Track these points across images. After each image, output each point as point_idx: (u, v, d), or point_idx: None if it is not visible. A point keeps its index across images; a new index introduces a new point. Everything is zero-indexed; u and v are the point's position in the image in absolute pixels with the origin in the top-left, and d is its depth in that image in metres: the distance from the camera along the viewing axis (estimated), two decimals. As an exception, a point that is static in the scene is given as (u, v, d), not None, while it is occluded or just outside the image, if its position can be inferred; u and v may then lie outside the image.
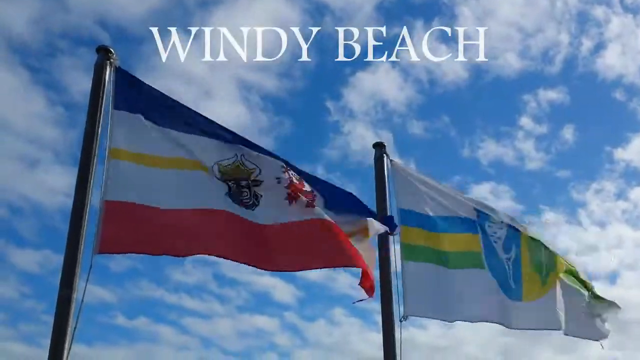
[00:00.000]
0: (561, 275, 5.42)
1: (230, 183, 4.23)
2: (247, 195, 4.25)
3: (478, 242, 5.17)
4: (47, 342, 3.63)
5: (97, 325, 20.04)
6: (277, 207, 4.24)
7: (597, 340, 5.71)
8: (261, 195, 4.25)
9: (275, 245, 4.19)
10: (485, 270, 5.11)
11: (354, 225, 4.40)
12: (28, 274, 21.80)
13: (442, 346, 22.52)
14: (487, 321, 5.22)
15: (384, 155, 5.11)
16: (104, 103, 4.07)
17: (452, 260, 5.04)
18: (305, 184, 4.37)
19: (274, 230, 4.20)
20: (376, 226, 4.43)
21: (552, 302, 5.31)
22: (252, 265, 4.23)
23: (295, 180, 4.32)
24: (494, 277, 5.11)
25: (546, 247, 5.40)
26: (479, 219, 5.23)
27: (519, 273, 5.22)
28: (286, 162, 4.37)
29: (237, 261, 4.21)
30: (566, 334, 5.45)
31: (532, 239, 5.39)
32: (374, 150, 5.16)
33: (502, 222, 5.30)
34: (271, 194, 4.26)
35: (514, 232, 5.30)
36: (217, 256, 4.25)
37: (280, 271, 4.48)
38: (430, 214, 5.10)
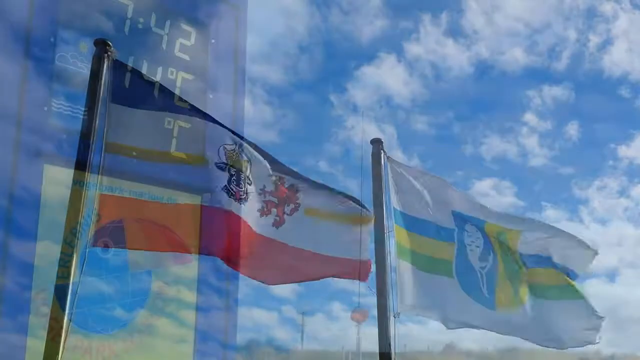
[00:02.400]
0: (527, 292, 5.34)
1: (232, 171, 4.29)
2: (242, 189, 4.29)
3: (452, 251, 5.19)
4: (45, 334, 3.66)
5: (94, 317, 20.07)
6: (251, 213, 4.31)
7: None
8: (248, 194, 4.32)
9: (251, 248, 4.26)
10: (453, 280, 5.15)
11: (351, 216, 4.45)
12: (27, 265, 21.80)
13: (441, 340, 22.62)
14: (467, 326, 5.22)
15: (381, 151, 5.12)
16: (101, 95, 4.08)
17: (425, 263, 5.08)
18: (288, 190, 4.43)
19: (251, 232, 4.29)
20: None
21: (527, 315, 5.30)
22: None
23: (279, 188, 4.41)
24: (462, 288, 5.14)
25: (516, 261, 5.36)
26: (457, 228, 5.25)
27: (493, 283, 5.23)
28: (273, 165, 4.41)
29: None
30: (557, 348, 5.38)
31: (506, 248, 5.36)
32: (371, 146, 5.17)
33: (479, 230, 5.30)
34: (251, 199, 4.33)
35: (488, 241, 5.31)
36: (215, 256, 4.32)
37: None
38: (417, 216, 5.14)
